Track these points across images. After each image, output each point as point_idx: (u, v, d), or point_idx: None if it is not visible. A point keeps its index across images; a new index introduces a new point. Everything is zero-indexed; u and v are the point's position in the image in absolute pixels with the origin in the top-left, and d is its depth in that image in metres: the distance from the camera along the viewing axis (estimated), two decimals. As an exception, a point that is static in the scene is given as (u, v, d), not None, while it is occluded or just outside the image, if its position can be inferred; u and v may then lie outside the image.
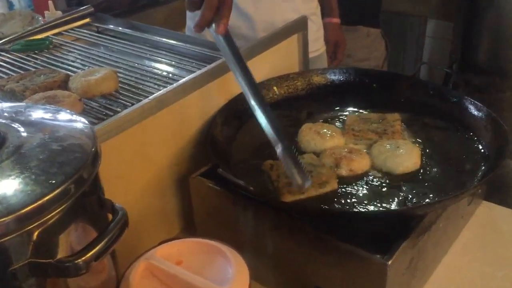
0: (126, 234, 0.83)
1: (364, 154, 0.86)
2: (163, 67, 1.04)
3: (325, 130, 0.91)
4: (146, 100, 0.82)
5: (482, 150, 0.85)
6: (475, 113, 0.90)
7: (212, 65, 0.94)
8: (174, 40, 1.16)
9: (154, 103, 0.82)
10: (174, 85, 0.87)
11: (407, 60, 2.29)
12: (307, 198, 0.76)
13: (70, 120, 0.54)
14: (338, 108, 1.02)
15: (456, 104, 0.93)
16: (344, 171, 0.82)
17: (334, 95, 1.05)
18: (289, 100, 1.05)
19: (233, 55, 0.74)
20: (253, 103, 0.74)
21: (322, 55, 1.43)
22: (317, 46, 1.39)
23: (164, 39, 1.17)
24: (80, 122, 0.53)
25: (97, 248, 0.45)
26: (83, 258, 0.44)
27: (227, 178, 0.76)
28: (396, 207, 0.75)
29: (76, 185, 0.45)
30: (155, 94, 0.83)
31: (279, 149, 0.72)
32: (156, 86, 0.92)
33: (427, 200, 0.76)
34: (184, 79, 0.89)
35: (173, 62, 1.06)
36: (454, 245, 0.85)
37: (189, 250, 0.60)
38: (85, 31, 1.22)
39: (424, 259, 0.75)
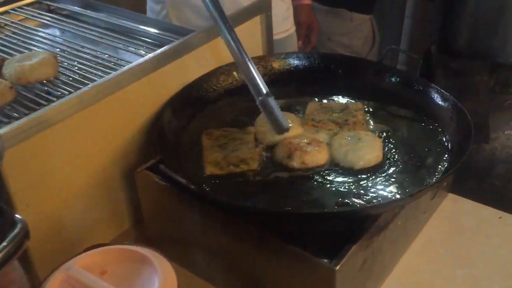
0: (69, 231, 0.79)
1: (322, 147, 0.80)
2: (114, 52, 0.96)
3: (282, 120, 0.85)
4: (85, 88, 0.76)
5: (446, 143, 0.80)
6: (441, 102, 0.85)
7: (163, 49, 0.87)
8: (133, 21, 1.09)
9: (94, 91, 0.76)
10: (119, 71, 0.80)
11: (385, 43, 2.22)
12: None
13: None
14: (300, 95, 0.96)
15: (422, 93, 0.88)
16: (295, 163, 0.77)
17: (297, 81, 0.99)
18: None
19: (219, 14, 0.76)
20: (238, 55, 0.73)
21: (292, 35, 1.37)
22: (286, 26, 1.33)
23: (122, 21, 1.09)
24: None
25: (-17, 268, 0.39)
26: (-33, 281, 0.39)
27: (170, 175, 0.71)
28: (348, 207, 0.70)
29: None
30: (95, 82, 0.77)
31: (262, 98, 0.73)
32: (100, 73, 0.85)
33: (381, 198, 0.71)
34: (130, 65, 0.82)
35: (129, 47, 0.98)
36: (415, 242, 0.81)
37: (114, 258, 0.54)
38: (34, 10, 1.14)
39: (379, 260, 0.71)
